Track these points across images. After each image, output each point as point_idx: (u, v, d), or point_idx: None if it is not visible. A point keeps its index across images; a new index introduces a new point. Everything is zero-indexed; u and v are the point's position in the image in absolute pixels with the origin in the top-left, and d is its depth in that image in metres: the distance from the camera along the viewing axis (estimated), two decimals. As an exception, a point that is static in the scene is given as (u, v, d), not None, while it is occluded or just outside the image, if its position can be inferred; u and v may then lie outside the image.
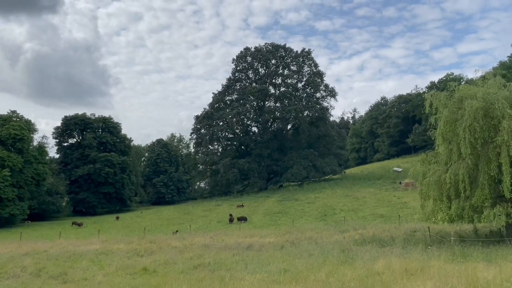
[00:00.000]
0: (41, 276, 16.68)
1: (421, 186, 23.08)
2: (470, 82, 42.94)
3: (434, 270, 12.29)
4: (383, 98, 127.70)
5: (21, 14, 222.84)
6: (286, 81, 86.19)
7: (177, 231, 37.78)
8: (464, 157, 20.19)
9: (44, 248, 26.32)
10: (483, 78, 23.27)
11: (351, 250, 19.45)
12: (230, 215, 46.85)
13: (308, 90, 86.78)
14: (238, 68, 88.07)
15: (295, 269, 14.70)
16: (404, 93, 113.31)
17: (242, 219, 44.22)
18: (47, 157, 71.16)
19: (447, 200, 20.98)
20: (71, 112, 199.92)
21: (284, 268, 14.96)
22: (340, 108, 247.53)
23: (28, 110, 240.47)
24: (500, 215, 19.07)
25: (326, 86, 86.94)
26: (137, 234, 36.87)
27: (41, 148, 68.49)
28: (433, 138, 24.44)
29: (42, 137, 73.55)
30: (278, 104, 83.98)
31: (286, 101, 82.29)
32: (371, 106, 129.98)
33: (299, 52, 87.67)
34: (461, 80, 76.26)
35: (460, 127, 20.17)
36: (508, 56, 79.02)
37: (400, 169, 74.92)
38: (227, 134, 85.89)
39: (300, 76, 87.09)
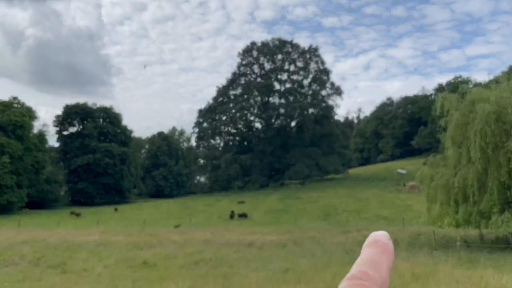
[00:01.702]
0: (40, 265, 16.39)
1: (428, 189, 22.76)
2: (478, 85, 42.45)
3: (443, 275, 11.96)
4: (388, 99, 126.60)
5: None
6: (291, 77, 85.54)
7: (179, 225, 37.42)
8: (473, 161, 19.84)
9: (42, 236, 26.04)
10: (496, 81, 22.85)
11: (355, 251, 19.09)
12: (232, 211, 46.45)
13: (313, 87, 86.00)
14: (244, 62, 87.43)
15: (298, 269, 14.41)
16: (410, 94, 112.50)
17: (242, 215, 43.86)
18: (47, 145, 70.71)
19: (454, 204, 20.65)
20: (71, 100, 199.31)
21: (287, 267, 14.66)
22: (345, 107, 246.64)
23: (29, 97, 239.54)
24: (508, 221, 18.79)
25: (332, 84, 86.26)
26: (136, 226, 36.59)
27: (41, 136, 67.91)
28: (441, 141, 24.10)
29: (43, 125, 72.92)
30: (282, 101, 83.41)
31: (291, 98, 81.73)
32: (376, 106, 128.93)
33: (306, 48, 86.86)
34: (469, 83, 75.45)
35: (471, 130, 19.81)
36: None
37: (404, 171, 74.37)
38: (229, 129, 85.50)
39: (306, 73, 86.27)
